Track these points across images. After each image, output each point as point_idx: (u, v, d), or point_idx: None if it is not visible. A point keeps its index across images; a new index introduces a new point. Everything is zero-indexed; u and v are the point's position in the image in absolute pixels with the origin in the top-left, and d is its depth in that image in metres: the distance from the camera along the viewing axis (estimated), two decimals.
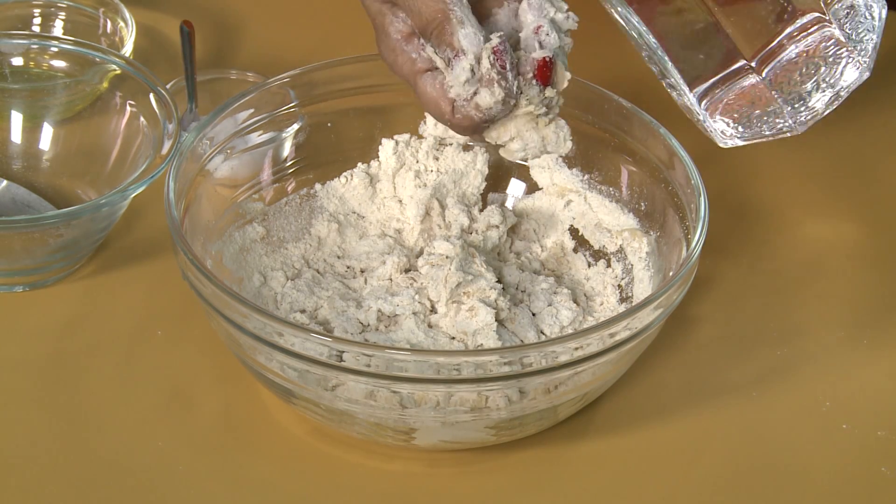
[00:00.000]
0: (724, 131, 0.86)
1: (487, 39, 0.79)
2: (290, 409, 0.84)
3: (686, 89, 0.86)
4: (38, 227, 0.87)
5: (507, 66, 0.78)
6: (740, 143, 0.87)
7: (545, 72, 0.79)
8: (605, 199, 0.92)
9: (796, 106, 0.83)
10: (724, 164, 1.03)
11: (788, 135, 0.86)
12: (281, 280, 0.89)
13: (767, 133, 0.85)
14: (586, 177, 0.93)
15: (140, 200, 0.91)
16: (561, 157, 0.92)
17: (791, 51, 0.81)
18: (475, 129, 0.81)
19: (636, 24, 0.86)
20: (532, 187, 0.94)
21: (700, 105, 0.85)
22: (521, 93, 0.80)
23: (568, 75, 0.81)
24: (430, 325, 0.85)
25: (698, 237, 0.82)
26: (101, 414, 0.84)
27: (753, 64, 0.82)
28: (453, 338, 0.84)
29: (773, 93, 0.82)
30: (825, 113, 0.86)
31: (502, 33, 0.79)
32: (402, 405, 0.77)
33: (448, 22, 0.78)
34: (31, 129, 0.98)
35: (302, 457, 0.82)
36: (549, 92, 0.80)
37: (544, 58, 0.79)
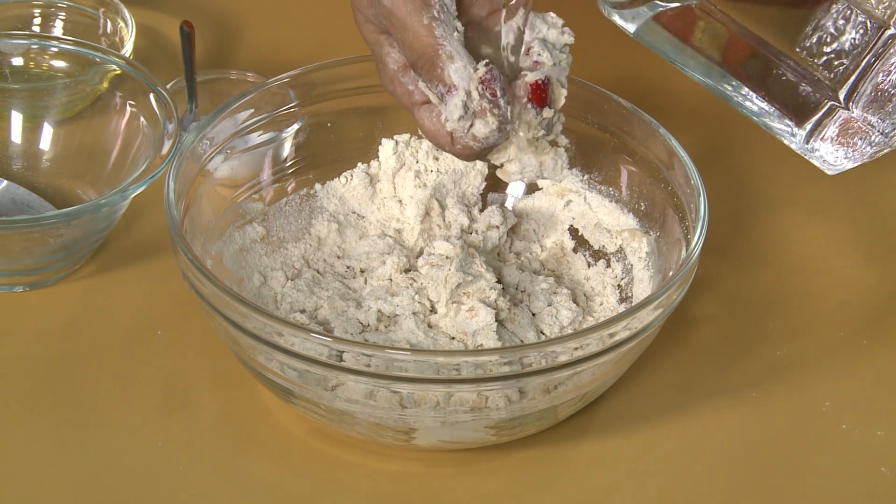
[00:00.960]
0: (836, 160, 0.86)
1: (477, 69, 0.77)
2: (290, 409, 0.84)
3: (795, 137, 0.85)
4: (38, 227, 0.87)
5: (498, 94, 0.76)
6: (850, 166, 0.87)
7: (539, 94, 0.77)
8: (604, 199, 0.92)
9: (894, 118, 0.83)
10: (724, 164, 1.03)
11: (890, 149, 0.85)
12: (281, 280, 0.89)
13: (870, 150, 0.85)
14: (586, 177, 0.93)
15: (140, 200, 0.91)
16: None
17: (872, 76, 0.81)
18: (477, 156, 0.80)
19: (743, 95, 0.85)
20: (532, 187, 0.94)
21: (808, 145, 0.85)
22: (519, 117, 0.78)
23: (564, 92, 0.78)
24: (429, 326, 0.85)
25: (698, 237, 0.81)
26: (100, 414, 0.84)
27: (842, 100, 0.81)
28: (453, 338, 0.84)
29: (869, 116, 0.82)
30: None
31: (488, 60, 0.77)
32: (402, 405, 0.77)
33: (438, 58, 0.76)
34: (31, 129, 0.98)
35: (302, 457, 0.82)
36: (547, 112, 0.78)
37: (537, 81, 0.77)
